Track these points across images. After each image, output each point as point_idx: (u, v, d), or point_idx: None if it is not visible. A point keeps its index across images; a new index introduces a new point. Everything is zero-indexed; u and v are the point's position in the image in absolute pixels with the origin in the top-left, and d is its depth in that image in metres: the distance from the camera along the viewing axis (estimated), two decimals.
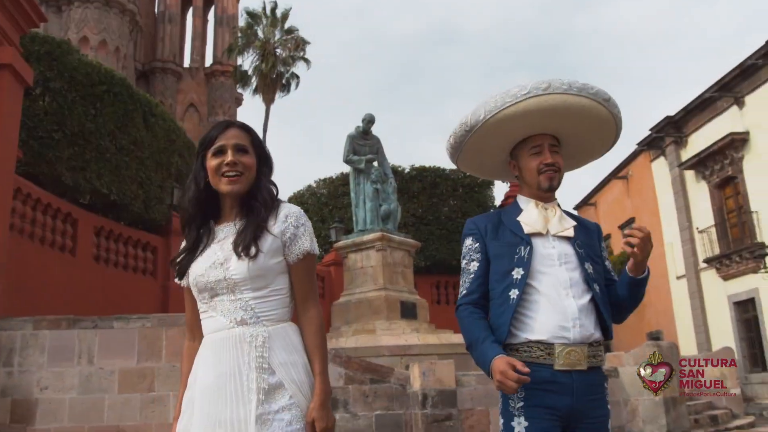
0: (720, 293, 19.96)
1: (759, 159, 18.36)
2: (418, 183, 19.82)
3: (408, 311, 12.42)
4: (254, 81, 27.34)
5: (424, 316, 12.76)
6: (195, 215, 1.94)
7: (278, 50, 27.33)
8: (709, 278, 20.36)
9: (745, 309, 19.20)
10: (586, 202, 28.36)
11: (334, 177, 20.69)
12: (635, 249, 2.01)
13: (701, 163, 20.35)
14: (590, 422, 2.00)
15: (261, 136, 24.43)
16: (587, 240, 2.19)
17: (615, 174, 25.65)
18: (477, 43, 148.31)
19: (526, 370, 1.86)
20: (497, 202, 20.39)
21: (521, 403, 1.97)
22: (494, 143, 2.27)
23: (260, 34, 27.42)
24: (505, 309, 2.04)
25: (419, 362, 7.94)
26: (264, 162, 1.98)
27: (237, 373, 1.76)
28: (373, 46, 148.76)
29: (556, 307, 2.01)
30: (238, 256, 1.83)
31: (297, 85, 28.06)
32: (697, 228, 20.78)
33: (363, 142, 13.12)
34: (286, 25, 27.42)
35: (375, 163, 13.10)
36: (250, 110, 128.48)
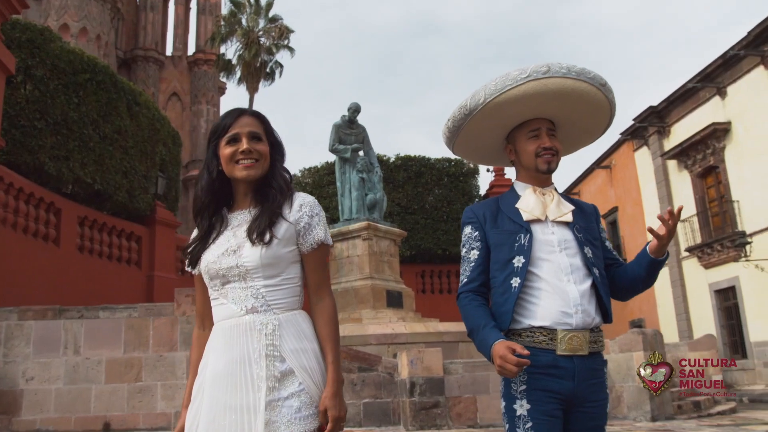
0: (701, 281, 20.20)
1: (740, 149, 18.56)
2: (403, 172, 19.83)
3: (394, 300, 12.45)
4: (238, 70, 27.16)
5: (410, 305, 12.79)
6: (208, 203, 1.92)
7: (262, 39, 27.14)
8: (691, 266, 20.60)
9: (725, 297, 19.46)
10: (569, 192, 28.54)
11: (319, 166, 20.66)
12: (665, 235, 2.04)
13: (684, 152, 20.52)
14: (590, 406, 2.03)
15: None
16: (586, 223, 2.20)
17: (598, 163, 25.82)
18: (459, 34, 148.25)
19: (526, 352, 1.88)
20: (482, 192, 20.45)
21: (523, 387, 1.99)
22: (492, 127, 2.27)
23: (244, 22, 27.20)
24: (508, 297, 2.05)
25: (407, 350, 7.97)
26: (276, 149, 1.98)
27: (247, 360, 1.77)
28: (355, 36, 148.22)
29: (558, 293, 2.03)
30: (252, 242, 1.82)
31: (281, 73, 27.95)
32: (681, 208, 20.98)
33: (349, 132, 13.09)
34: (270, 14, 27.23)
35: (361, 153, 13.07)
36: (233, 99, 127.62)
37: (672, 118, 21.49)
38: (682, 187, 21.10)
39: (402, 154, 20.25)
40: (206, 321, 1.97)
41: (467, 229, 2.23)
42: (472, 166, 20.31)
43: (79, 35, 29.44)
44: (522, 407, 1.99)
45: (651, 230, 2.08)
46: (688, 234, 20.55)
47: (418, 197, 19.73)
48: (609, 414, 2.18)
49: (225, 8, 30.27)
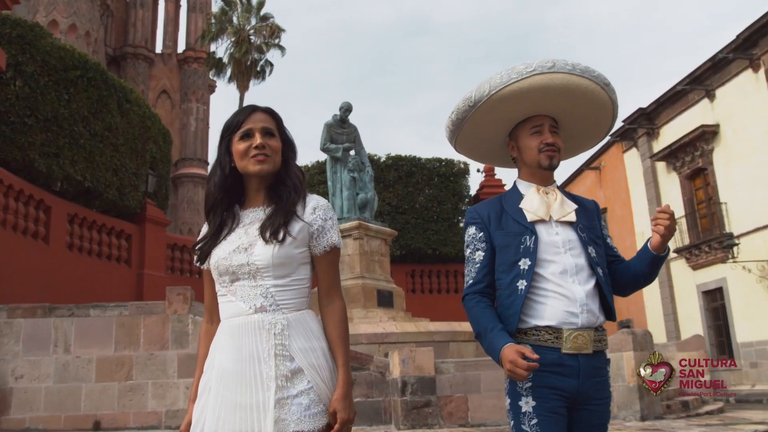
0: (689, 282, 20.34)
1: (728, 151, 18.70)
2: (394, 172, 19.84)
3: (385, 300, 12.45)
4: (228, 68, 27.10)
5: (401, 304, 12.81)
6: (220, 200, 1.93)
7: (252, 37, 27.08)
8: (679, 268, 20.74)
9: (713, 298, 19.61)
10: None
11: (309, 165, 20.63)
12: (665, 231, 2.06)
13: (672, 154, 20.66)
14: (594, 403, 2.05)
15: None
16: (588, 222, 2.21)
17: (588, 164, 25.93)
18: (449, 34, 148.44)
19: (536, 356, 1.89)
20: (473, 192, 20.49)
21: (529, 384, 2.00)
22: (495, 121, 2.27)
23: (235, 20, 27.14)
24: (514, 300, 2.06)
25: (398, 350, 7.98)
26: (289, 147, 1.99)
27: (256, 359, 1.77)
28: (346, 35, 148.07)
29: (563, 294, 2.04)
30: (266, 240, 1.83)
31: (271, 72, 27.91)
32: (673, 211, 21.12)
33: (340, 131, 13.08)
34: (261, 12, 27.17)
35: (352, 152, 13.06)
36: (223, 97, 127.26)
37: (661, 120, 21.63)
38: (671, 188, 21.23)
39: (393, 154, 20.28)
40: (214, 316, 1.97)
41: (471, 230, 2.21)
42: (462, 166, 20.34)
43: (68, 32, 29.25)
44: (527, 404, 2.00)
45: (654, 228, 2.09)
46: (676, 235, 20.67)
47: (409, 197, 19.75)
48: None
49: (215, 6, 30.24)
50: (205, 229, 1.97)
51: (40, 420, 7.67)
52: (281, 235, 1.83)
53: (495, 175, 20.37)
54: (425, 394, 7.62)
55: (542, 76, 2.10)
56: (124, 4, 36.34)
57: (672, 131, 20.94)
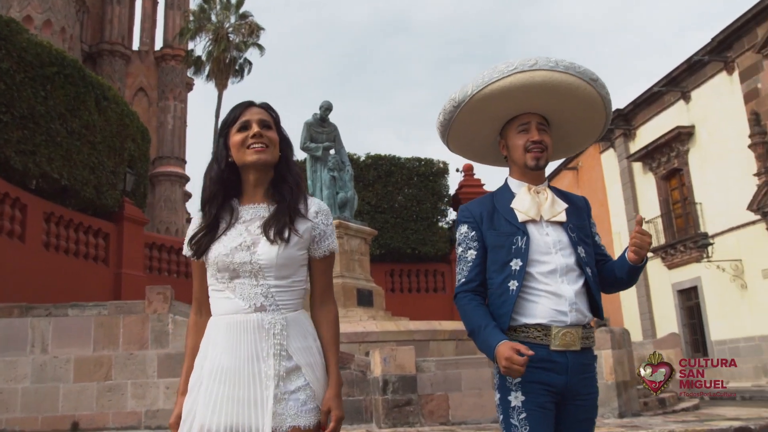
0: (665, 281, 20.63)
1: (703, 152, 19.00)
2: (374, 171, 19.84)
3: (364, 299, 12.46)
4: (207, 66, 26.91)
5: (380, 303, 12.83)
6: (217, 193, 1.92)
7: (231, 35, 26.93)
8: (655, 267, 21.01)
9: (688, 297, 19.91)
10: None
11: None
12: (641, 251, 2.09)
13: (649, 155, 20.93)
14: (582, 399, 2.09)
15: (213, 122, 23.76)
16: (578, 221, 2.23)
17: (565, 165, 26.14)
18: (427, 34, 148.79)
19: (531, 353, 1.92)
20: (452, 191, 20.57)
21: (518, 379, 2.03)
22: (483, 121, 2.28)
23: (213, 18, 26.96)
24: (505, 300, 2.08)
25: (380, 349, 8.00)
26: (286, 143, 1.99)
27: (255, 358, 1.79)
28: (324, 34, 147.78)
29: (553, 293, 2.07)
30: (270, 240, 1.83)
31: (250, 71, 27.78)
32: (644, 218, 21.37)
33: (320, 130, 13.05)
34: (241, 10, 27.03)
35: (332, 151, 13.04)
36: (201, 95, 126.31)
37: (638, 120, 21.90)
38: (647, 189, 21.51)
39: (372, 153, 20.28)
40: (203, 308, 1.97)
41: (463, 228, 2.23)
42: (441, 165, 20.40)
43: (43, 27, 28.80)
44: (517, 398, 2.04)
45: (632, 251, 2.11)
46: (652, 235, 20.93)
47: (388, 196, 19.76)
48: None
49: (193, 3, 30.00)
50: (196, 221, 1.95)
51: (17, 421, 7.57)
52: (287, 234, 1.84)
53: (474, 174, 20.46)
54: (406, 392, 7.64)
55: (523, 74, 2.11)
56: (100, 0, 35.92)
57: (648, 132, 21.22)
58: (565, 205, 2.22)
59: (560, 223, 2.18)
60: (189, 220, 34.09)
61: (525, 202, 2.19)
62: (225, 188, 1.93)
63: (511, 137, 2.26)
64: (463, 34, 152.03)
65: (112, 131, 13.42)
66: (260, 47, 27.32)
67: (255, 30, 26.82)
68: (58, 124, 11.60)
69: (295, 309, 1.88)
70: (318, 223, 1.93)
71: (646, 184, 21.57)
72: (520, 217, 2.16)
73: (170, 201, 33.64)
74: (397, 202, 19.82)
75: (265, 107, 1.99)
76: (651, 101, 21.03)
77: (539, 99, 2.18)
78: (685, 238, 19.40)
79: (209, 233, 1.89)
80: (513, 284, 2.08)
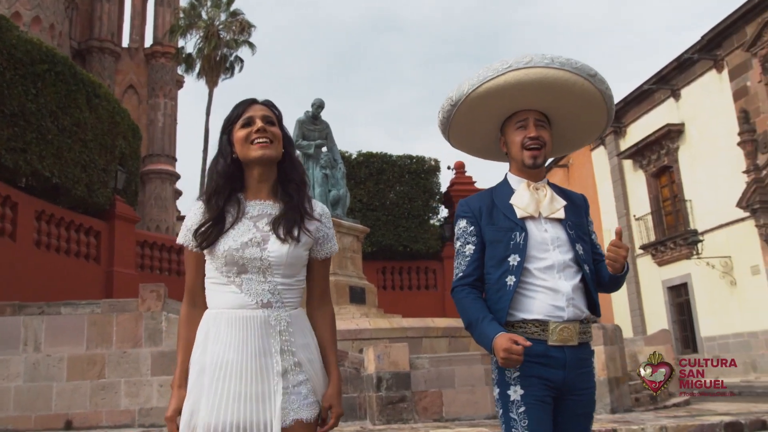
0: (655, 278, 20.76)
1: (693, 150, 19.13)
2: (365, 169, 19.84)
3: (357, 296, 12.49)
4: (198, 63, 26.81)
5: (373, 300, 12.86)
6: (223, 187, 1.92)
7: (222, 33, 26.84)
8: (645, 264, 21.15)
9: (678, 293, 20.05)
10: None
11: None
12: (615, 262, 2.10)
13: (639, 152, 21.05)
14: (580, 393, 2.11)
15: (204, 119, 23.63)
16: (576, 218, 2.25)
17: (556, 162, 26.25)
18: (417, 32, 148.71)
19: (528, 344, 1.95)
20: (443, 189, 20.61)
21: (517, 374, 2.06)
22: (481, 118, 2.29)
23: (204, 15, 26.87)
24: (503, 295, 2.10)
25: (373, 346, 8.02)
26: (288, 141, 2.01)
27: (263, 353, 1.81)
28: (315, 31, 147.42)
29: (550, 289, 2.09)
30: (281, 238, 1.86)
31: (241, 68, 27.68)
32: (634, 215, 21.53)
33: (312, 127, 13.06)
34: (231, 8, 26.94)
35: (324, 149, 13.06)
36: (192, 93, 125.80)
37: (628, 118, 22.01)
38: (637, 186, 21.64)
39: (364, 151, 20.29)
40: (197, 300, 1.95)
41: (462, 223, 2.24)
42: (433, 163, 20.44)
43: (31, 24, 28.59)
44: (516, 392, 2.06)
45: (608, 263, 2.14)
46: (642, 232, 21.09)
47: (380, 194, 19.77)
48: None
49: (183, 0, 29.83)
50: (198, 211, 1.94)
51: (10, 420, 7.54)
52: (296, 233, 1.87)
53: (465, 172, 20.51)
54: (400, 389, 7.67)
55: (518, 72, 2.11)
56: None
57: (638, 130, 21.34)
58: (564, 203, 2.23)
59: (559, 220, 2.20)
60: (180, 218, 33.96)
61: (524, 198, 2.20)
62: (230, 183, 1.95)
63: (509, 133, 2.27)
64: (455, 32, 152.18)
65: (103, 129, 13.36)
66: (251, 45, 27.27)
67: (246, 27, 26.75)
68: (49, 122, 11.54)
69: (296, 307, 1.91)
70: (322, 225, 1.97)
71: (637, 182, 21.69)
72: (519, 213, 2.17)
73: (161, 199, 33.51)
74: (388, 200, 19.84)
75: (268, 104, 2.02)
76: (641, 99, 21.15)
77: (536, 96, 2.19)
78: (675, 235, 19.54)
79: (216, 226, 1.89)
80: (510, 280, 2.09)
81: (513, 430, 2.05)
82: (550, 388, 2.06)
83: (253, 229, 1.88)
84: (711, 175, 18.27)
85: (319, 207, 1.99)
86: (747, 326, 17.10)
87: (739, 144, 16.95)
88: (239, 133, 1.93)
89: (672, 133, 19.55)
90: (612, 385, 8.16)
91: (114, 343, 7.87)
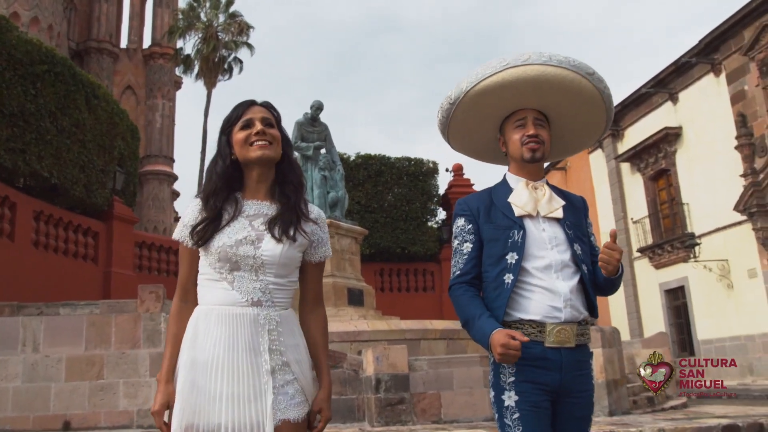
0: (652, 281, 20.80)
1: (691, 153, 19.18)
2: (363, 171, 19.86)
3: (355, 298, 12.50)
4: (196, 64, 26.81)
5: (371, 302, 12.87)
6: (222, 187, 1.94)
7: (221, 34, 26.85)
8: (642, 267, 21.17)
9: (675, 296, 20.08)
10: None
11: None
12: (608, 264, 2.09)
13: (637, 155, 21.09)
14: (577, 396, 2.09)
15: (202, 120, 23.65)
16: (575, 219, 2.23)
17: (554, 165, 26.27)
18: (416, 33, 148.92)
19: (525, 339, 1.94)
20: (441, 191, 20.63)
21: (512, 378, 2.04)
22: (480, 117, 2.28)
23: (203, 16, 26.88)
24: (500, 293, 2.09)
25: (372, 348, 8.03)
26: (287, 143, 2.03)
27: (252, 352, 1.82)
28: (313, 32, 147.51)
29: (548, 289, 2.07)
30: (276, 238, 1.87)
31: (240, 70, 27.70)
32: (632, 218, 21.57)
33: (311, 129, 13.06)
34: (231, 9, 26.95)
35: (323, 150, 13.07)
36: (190, 94, 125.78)
37: (626, 121, 22.06)
38: (635, 189, 21.67)
39: (362, 153, 20.31)
40: (189, 296, 1.97)
41: (460, 222, 2.23)
42: (431, 165, 20.46)
43: (30, 25, 28.57)
44: (510, 398, 2.04)
45: (601, 266, 2.12)
46: (639, 235, 21.13)
47: (378, 196, 19.79)
48: None
49: (182, 1, 29.85)
50: (195, 211, 1.96)
51: (8, 421, 7.53)
52: (292, 232, 1.89)
53: (464, 174, 20.54)
54: (399, 391, 7.68)
55: (516, 69, 2.11)
56: None
57: (636, 133, 21.39)
58: (563, 202, 2.22)
59: (557, 220, 2.18)
60: (177, 219, 33.89)
61: (522, 196, 2.19)
62: (229, 183, 1.97)
63: (508, 132, 2.26)
64: (454, 34, 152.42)
65: (102, 129, 13.36)
66: (250, 46, 27.28)
67: (244, 29, 26.76)
68: (48, 123, 11.55)
69: (286, 307, 1.93)
70: (317, 228, 1.99)
71: (634, 185, 21.74)
72: (517, 212, 2.16)
73: (158, 200, 33.51)
74: (387, 202, 19.85)
75: (267, 106, 2.04)
76: (639, 102, 21.20)
77: (534, 94, 2.18)
78: (673, 238, 19.57)
79: (212, 224, 1.91)
80: (508, 278, 2.08)
81: None
82: (546, 392, 2.04)
83: (248, 227, 1.90)
84: (708, 179, 18.32)
85: (315, 210, 2.02)
86: (744, 329, 17.14)
87: (736, 148, 17.00)
88: (239, 135, 1.95)
89: (670, 137, 19.60)
90: (610, 388, 8.18)
91: (113, 344, 7.87)
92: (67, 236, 12.34)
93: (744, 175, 16.70)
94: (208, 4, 26.89)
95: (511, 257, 2.10)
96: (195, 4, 26.93)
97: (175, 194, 36.30)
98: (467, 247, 2.18)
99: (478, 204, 2.22)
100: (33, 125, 11.16)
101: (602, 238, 22.60)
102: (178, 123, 36.30)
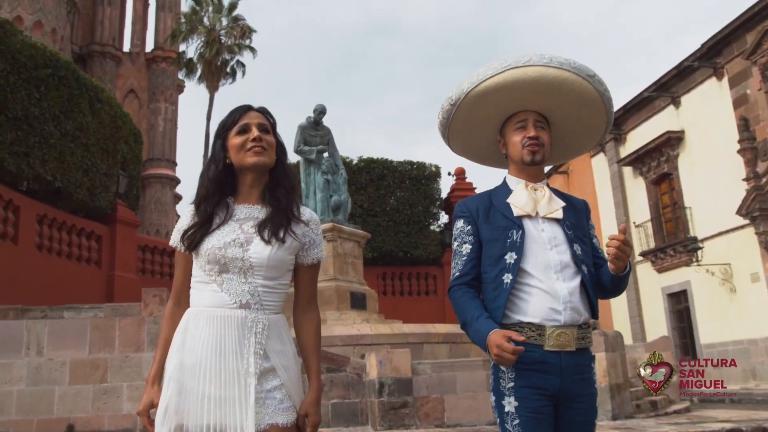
0: (654, 285, 20.78)
1: (693, 157, 19.18)
2: (366, 174, 19.88)
3: (358, 302, 12.50)
4: (199, 68, 26.85)
5: (374, 306, 12.86)
6: (214, 192, 1.96)
7: (223, 38, 26.89)
8: (645, 271, 21.16)
9: (677, 300, 20.06)
10: None
11: None
12: (618, 260, 2.06)
13: (639, 159, 21.10)
14: (579, 401, 2.06)
15: (205, 124, 23.60)
16: (576, 220, 2.21)
17: (556, 169, 26.28)
18: (417, 36, 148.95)
19: (522, 338, 1.92)
20: (444, 195, 20.64)
21: (511, 384, 2.03)
22: (481, 119, 2.29)
23: (205, 20, 26.93)
24: (499, 293, 2.07)
25: (375, 351, 8.03)
26: (281, 149, 2.05)
27: (237, 354, 1.83)
28: (314, 35, 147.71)
29: (547, 290, 2.06)
30: (265, 240, 1.88)
31: (244, 73, 27.72)
32: (634, 222, 21.56)
33: (314, 133, 13.08)
34: (233, 13, 27.00)
35: (326, 154, 13.08)
36: (192, 97, 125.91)
37: (628, 125, 22.07)
38: (637, 193, 21.67)
39: (365, 156, 20.33)
40: (182, 299, 1.99)
41: (459, 223, 2.23)
42: (434, 169, 20.48)
43: (33, 28, 28.66)
44: (510, 404, 2.03)
45: (609, 257, 2.10)
46: (642, 239, 21.11)
47: (381, 199, 19.80)
48: None
49: (185, 5, 29.92)
50: (188, 216, 1.99)
51: (12, 424, 7.54)
52: (282, 234, 1.89)
53: (466, 178, 20.55)
54: (402, 395, 7.68)
55: (516, 70, 2.11)
56: (91, 1, 35.79)
57: (639, 137, 21.40)
58: (562, 203, 2.21)
59: (557, 221, 2.17)
60: None
61: (522, 197, 2.19)
62: (221, 188, 1.98)
63: (509, 134, 2.26)
64: (454, 37, 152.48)
65: (106, 133, 13.40)
66: (252, 50, 27.31)
67: (247, 32, 26.80)
68: (52, 126, 11.58)
69: (276, 311, 1.93)
70: (309, 231, 1.99)
71: (636, 189, 21.74)
72: (516, 212, 2.16)
73: (161, 203, 33.55)
74: (389, 206, 19.86)
75: (264, 112, 2.05)
76: (641, 106, 21.22)
77: (534, 96, 2.18)
78: (675, 242, 19.56)
79: (202, 228, 1.92)
80: (507, 277, 2.07)
81: None
82: (547, 397, 2.02)
83: (238, 230, 1.91)
84: (711, 183, 18.32)
85: (307, 213, 2.01)
86: (747, 333, 17.12)
87: (738, 152, 17.00)
88: (235, 140, 1.96)
89: (672, 141, 19.60)
90: (613, 392, 8.18)
91: (116, 348, 7.88)
92: (70, 239, 12.37)
93: (746, 179, 16.70)
94: (210, 8, 26.93)
95: (510, 257, 2.09)
96: (198, 8, 26.98)
97: (178, 198, 36.34)
98: (466, 248, 2.18)
99: (478, 205, 2.23)
100: (37, 129, 11.20)
101: (604, 242, 22.60)
102: (181, 126, 36.41)
